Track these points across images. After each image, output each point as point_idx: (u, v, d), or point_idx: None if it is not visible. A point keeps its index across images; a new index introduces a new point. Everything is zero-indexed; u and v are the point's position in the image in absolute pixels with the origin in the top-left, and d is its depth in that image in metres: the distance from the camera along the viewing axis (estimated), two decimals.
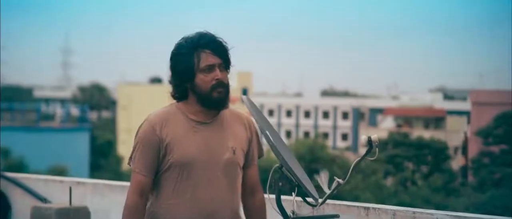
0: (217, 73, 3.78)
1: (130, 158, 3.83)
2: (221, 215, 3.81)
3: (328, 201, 4.78)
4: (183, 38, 3.85)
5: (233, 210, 3.88)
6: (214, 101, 3.80)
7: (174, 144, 3.76)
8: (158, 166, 3.79)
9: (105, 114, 79.48)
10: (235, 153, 3.87)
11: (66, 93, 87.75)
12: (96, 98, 79.79)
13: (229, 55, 3.87)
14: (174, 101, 3.91)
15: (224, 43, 3.85)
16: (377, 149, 4.32)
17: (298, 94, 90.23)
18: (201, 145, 3.80)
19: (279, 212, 4.56)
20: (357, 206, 5.00)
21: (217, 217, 3.80)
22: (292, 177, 4.28)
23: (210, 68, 3.78)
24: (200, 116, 3.83)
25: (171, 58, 3.84)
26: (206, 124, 3.84)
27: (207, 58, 3.77)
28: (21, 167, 36.94)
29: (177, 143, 3.76)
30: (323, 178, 4.54)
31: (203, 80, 3.76)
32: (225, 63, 3.85)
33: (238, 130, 3.93)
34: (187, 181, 3.76)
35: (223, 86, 3.81)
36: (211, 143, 3.82)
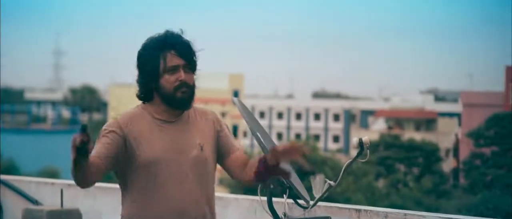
0: (181, 75, 3.78)
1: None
2: (192, 213, 3.79)
3: (320, 203, 4.78)
4: (149, 38, 3.86)
5: (205, 207, 3.86)
6: (178, 101, 3.79)
7: (139, 142, 3.76)
8: (124, 165, 3.77)
9: (97, 116, 79.38)
10: (202, 149, 3.85)
11: (57, 95, 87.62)
12: (87, 100, 79.71)
13: (195, 57, 3.86)
14: (141, 103, 3.91)
15: (191, 45, 3.85)
16: (368, 151, 4.33)
17: (290, 96, 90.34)
18: (168, 143, 3.79)
19: (271, 214, 4.56)
20: (349, 208, 5.01)
21: (189, 215, 3.78)
22: (283, 179, 4.29)
23: (175, 69, 3.78)
24: (165, 115, 3.83)
25: (138, 58, 3.85)
26: (171, 122, 3.84)
27: (172, 59, 3.78)
28: (11, 169, 36.83)
29: (142, 141, 3.76)
30: (317, 180, 4.55)
31: (167, 81, 3.77)
32: (191, 65, 3.84)
33: (204, 126, 3.93)
34: (156, 180, 3.75)
35: (187, 86, 3.80)
36: (177, 141, 3.81)
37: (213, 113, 4.03)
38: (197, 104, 3.97)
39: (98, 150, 3.73)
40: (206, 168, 3.86)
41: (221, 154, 3.94)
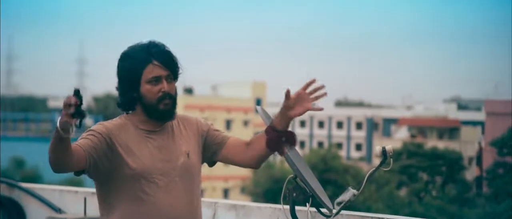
0: (164, 86, 3.73)
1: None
2: None
3: (342, 211, 4.77)
4: (131, 46, 3.82)
5: (194, 214, 3.85)
6: (160, 113, 3.75)
7: (127, 153, 3.72)
8: (108, 174, 3.71)
9: None
10: (189, 157, 3.84)
11: None
12: (111, 109, 79.93)
13: (178, 67, 3.81)
14: (123, 114, 3.85)
15: (173, 54, 3.80)
16: (391, 159, 4.32)
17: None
18: (155, 153, 3.77)
19: None
20: (372, 217, 4.99)
21: None
22: (306, 187, 4.28)
23: (157, 79, 3.73)
24: (148, 125, 3.79)
25: (118, 66, 3.80)
26: (156, 132, 3.80)
27: (154, 70, 3.72)
28: (35, 178, 37.04)
29: (130, 153, 3.72)
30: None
31: (149, 91, 3.72)
32: (173, 75, 3.80)
33: (188, 133, 3.91)
34: (145, 189, 3.72)
35: (170, 98, 3.75)
36: (164, 150, 3.79)
37: (196, 118, 4.00)
38: (198, 114, 3.94)
39: (82, 142, 3.64)
40: (193, 175, 3.85)
41: (216, 149, 3.93)
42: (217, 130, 3.97)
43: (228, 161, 3.94)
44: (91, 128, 3.75)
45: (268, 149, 3.80)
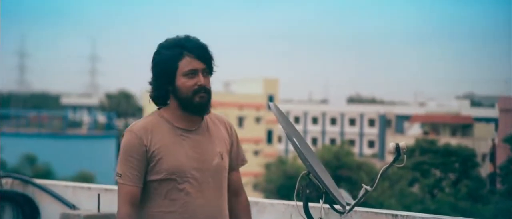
0: (200, 79, 3.74)
1: (118, 174, 3.75)
2: None
3: (356, 208, 4.76)
4: (167, 39, 3.81)
5: (223, 214, 3.87)
6: (195, 106, 3.75)
7: (163, 153, 3.72)
8: (146, 174, 3.75)
9: (132, 121, 79.61)
10: (222, 158, 3.86)
11: (93, 101, 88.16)
12: (123, 106, 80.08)
13: (213, 62, 3.82)
14: (156, 110, 3.87)
15: (209, 49, 3.81)
16: (405, 156, 4.31)
17: (324, 101, 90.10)
18: (190, 153, 3.77)
19: None
20: (385, 214, 4.98)
21: None
22: (319, 184, 4.28)
23: (193, 73, 3.74)
24: (185, 123, 3.80)
25: (154, 59, 3.80)
26: (192, 131, 3.81)
27: (190, 63, 3.73)
28: (47, 174, 37.15)
29: (166, 152, 3.73)
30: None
31: (185, 84, 3.73)
32: (209, 69, 3.80)
33: (222, 133, 3.92)
34: (179, 189, 3.73)
35: (206, 91, 3.76)
36: (199, 150, 3.80)
37: (227, 120, 4.02)
38: (223, 111, 3.96)
39: (133, 177, 3.72)
40: (224, 176, 3.88)
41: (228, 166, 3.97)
42: (238, 147, 4.01)
43: None
44: (124, 145, 3.76)
45: None
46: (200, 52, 3.76)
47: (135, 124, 3.80)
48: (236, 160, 3.99)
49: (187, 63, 3.73)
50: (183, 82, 3.73)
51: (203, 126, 3.86)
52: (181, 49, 3.74)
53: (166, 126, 3.78)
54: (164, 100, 3.82)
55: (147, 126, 3.77)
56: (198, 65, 3.74)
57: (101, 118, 62.49)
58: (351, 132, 76.07)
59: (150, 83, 3.82)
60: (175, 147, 3.75)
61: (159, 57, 3.77)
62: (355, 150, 64.49)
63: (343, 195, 4.55)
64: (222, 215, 3.86)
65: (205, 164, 3.79)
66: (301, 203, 4.52)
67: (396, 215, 4.94)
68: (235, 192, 4.00)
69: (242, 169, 4.09)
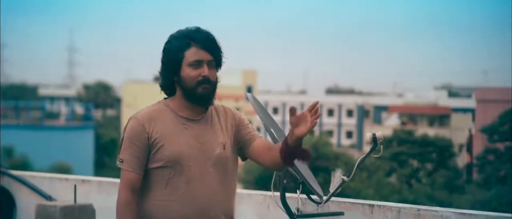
0: (204, 70, 3.76)
1: (119, 159, 3.81)
2: (214, 211, 3.80)
3: (333, 198, 4.78)
4: (178, 30, 3.85)
5: (226, 205, 3.87)
6: (198, 97, 3.78)
7: (164, 141, 3.76)
8: (148, 162, 3.79)
9: (110, 112, 79.49)
10: (225, 148, 3.86)
11: (71, 92, 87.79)
12: (101, 97, 79.82)
13: (221, 54, 3.84)
14: (162, 99, 3.91)
15: (217, 41, 3.83)
16: (381, 146, 4.32)
17: (303, 92, 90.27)
18: (192, 141, 3.79)
19: (284, 210, 4.56)
20: (362, 204, 5.00)
21: (210, 212, 3.79)
22: (296, 175, 4.28)
23: (198, 63, 3.76)
24: (188, 112, 3.83)
25: (163, 49, 3.84)
26: (195, 120, 3.84)
27: (196, 53, 3.76)
28: (24, 166, 36.96)
29: (167, 140, 3.76)
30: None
31: (189, 74, 3.75)
32: (216, 61, 3.83)
33: (226, 124, 3.93)
34: (179, 177, 3.75)
35: (209, 83, 3.78)
36: (201, 139, 3.81)
37: (230, 109, 4.03)
38: (217, 102, 3.96)
39: (134, 164, 3.77)
40: (228, 167, 3.87)
41: (244, 145, 3.94)
42: (248, 126, 3.98)
43: (254, 160, 3.95)
44: (127, 131, 3.81)
45: (282, 160, 3.79)
46: (207, 44, 3.79)
47: (140, 112, 3.84)
48: (248, 135, 3.95)
49: (193, 53, 3.76)
50: (187, 72, 3.76)
51: (207, 116, 3.88)
52: (189, 40, 3.77)
53: (170, 114, 3.82)
54: (171, 89, 3.86)
55: (151, 113, 3.81)
56: (204, 56, 3.77)
57: (79, 109, 62.21)
58: (329, 122, 76.23)
59: (159, 72, 3.87)
60: (177, 135, 3.78)
61: (168, 46, 3.82)
62: (333, 140, 64.66)
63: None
64: (224, 205, 3.86)
65: (206, 154, 3.80)
66: (278, 194, 4.53)
67: (373, 205, 4.96)
68: (265, 149, 3.90)
69: None
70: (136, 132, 3.77)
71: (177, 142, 3.76)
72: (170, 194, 3.76)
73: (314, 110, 3.66)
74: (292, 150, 3.70)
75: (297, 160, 3.75)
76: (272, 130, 4.11)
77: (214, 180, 3.81)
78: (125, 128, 3.83)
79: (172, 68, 3.79)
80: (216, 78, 3.83)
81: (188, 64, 3.75)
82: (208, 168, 3.80)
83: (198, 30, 3.81)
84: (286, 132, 3.83)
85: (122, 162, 3.78)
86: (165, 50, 3.82)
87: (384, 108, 73.03)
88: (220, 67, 3.85)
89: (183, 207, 3.75)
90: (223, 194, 3.85)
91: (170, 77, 3.81)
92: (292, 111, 3.64)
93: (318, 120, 3.68)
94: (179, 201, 3.75)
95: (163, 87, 3.88)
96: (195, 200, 3.76)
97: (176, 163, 3.75)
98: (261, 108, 4.22)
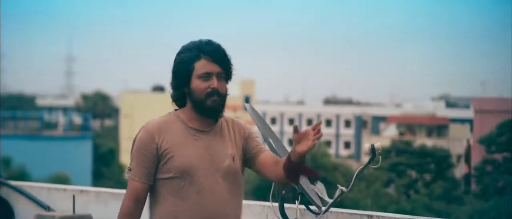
0: (214, 82, 3.79)
1: (128, 168, 3.86)
2: None
3: (331, 209, 4.78)
4: (190, 42, 3.87)
5: (235, 216, 3.89)
6: (207, 109, 3.80)
7: (174, 152, 3.78)
8: (157, 172, 3.81)
9: (108, 122, 79.45)
10: (234, 160, 3.88)
11: (69, 102, 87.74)
12: (99, 107, 79.75)
13: (231, 67, 3.87)
14: (173, 110, 3.93)
15: (227, 54, 3.85)
16: (380, 157, 4.33)
17: (301, 102, 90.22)
18: (202, 152, 3.81)
19: None
20: (360, 214, 5.00)
21: None
22: (295, 185, 4.29)
23: (208, 75, 3.79)
24: (198, 124, 3.85)
25: (174, 60, 3.86)
26: (205, 132, 3.85)
27: (206, 65, 3.78)
28: (22, 176, 36.92)
29: (177, 151, 3.78)
30: (318, 187, 4.55)
31: (199, 86, 3.78)
32: (226, 74, 3.85)
33: (237, 136, 3.95)
34: (189, 188, 3.77)
35: (219, 95, 3.81)
36: (211, 150, 3.83)
37: (239, 121, 4.05)
38: (226, 114, 3.97)
39: (141, 174, 3.80)
40: (236, 178, 3.89)
41: (251, 157, 3.96)
42: (256, 139, 4.01)
43: (260, 173, 3.97)
44: (136, 141, 3.84)
45: (286, 175, 3.80)
46: (217, 56, 3.81)
47: (150, 122, 3.87)
48: (255, 148, 3.97)
49: (202, 65, 3.78)
50: (197, 84, 3.79)
51: (217, 128, 3.90)
52: (199, 52, 3.79)
53: (180, 125, 3.84)
54: (182, 101, 3.88)
55: (161, 124, 3.83)
56: (214, 68, 3.80)
57: (77, 119, 62.14)
58: (327, 133, 76.19)
59: (171, 83, 3.90)
60: (187, 147, 3.80)
61: (179, 58, 3.85)
62: (331, 151, 64.65)
63: (319, 187, 4.57)
64: (233, 216, 3.87)
65: (216, 165, 3.82)
66: (277, 204, 4.53)
67: (371, 216, 4.97)
68: (272, 163, 3.91)
69: None
70: (145, 142, 3.79)
71: (187, 153, 3.78)
72: (180, 204, 3.77)
73: (317, 129, 3.67)
74: (295, 166, 3.71)
75: (301, 176, 3.77)
76: (270, 140, 4.13)
77: (223, 191, 3.82)
78: (135, 138, 3.86)
79: (182, 80, 3.81)
80: (226, 90, 3.86)
81: (198, 76, 3.78)
82: (217, 179, 3.81)
83: (208, 43, 3.83)
84: (284, 142, 3.85)
85: (130, 170, 3.83)
86: (176, 61, 3.84)
87: (382, 118, 73.02)
88: (230, 80, 3.89)
89: (193, 217, 3.76)
90: (232, 205, 3.86)
91: (180, 88, 3.83)
92: (296, 128, 3.67)
93: (319, 140, 3.70)
94: (188, 211, 3.77)
95: (174, 99, 3.89)
96: (205, 210, 3.78)
97: (186, 174, 3.77)
98: (259, 119, 4.24)
